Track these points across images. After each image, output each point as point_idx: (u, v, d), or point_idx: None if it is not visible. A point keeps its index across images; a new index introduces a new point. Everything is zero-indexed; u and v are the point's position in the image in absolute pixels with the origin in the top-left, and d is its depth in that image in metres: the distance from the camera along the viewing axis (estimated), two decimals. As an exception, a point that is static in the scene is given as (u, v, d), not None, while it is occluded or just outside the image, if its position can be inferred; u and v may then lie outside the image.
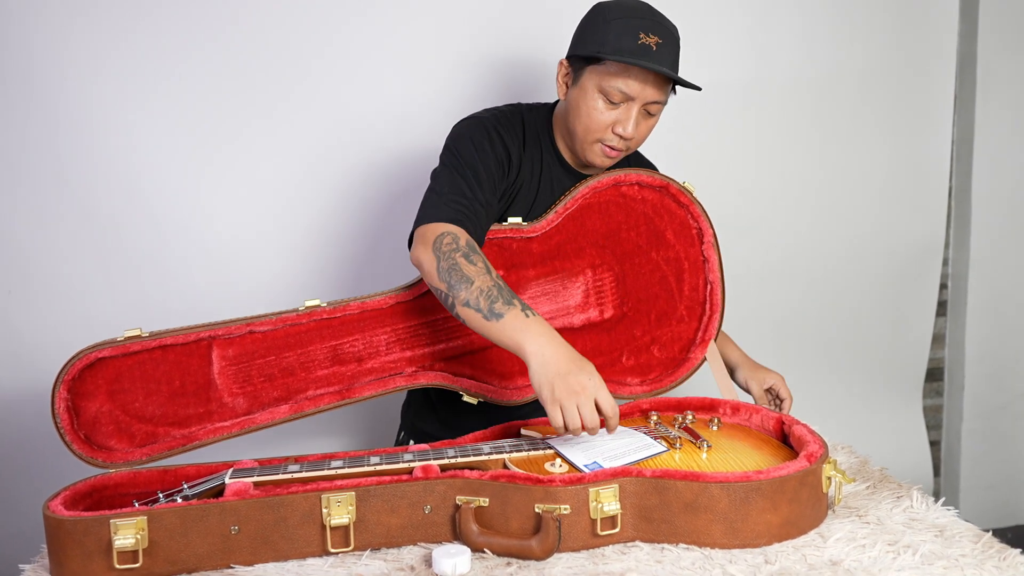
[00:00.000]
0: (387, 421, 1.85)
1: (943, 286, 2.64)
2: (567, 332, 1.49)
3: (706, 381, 1.54)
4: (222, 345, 1.33)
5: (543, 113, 1.50)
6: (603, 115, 1.37)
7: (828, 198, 2.41)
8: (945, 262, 2.63)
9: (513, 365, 1.46)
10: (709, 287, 1.53)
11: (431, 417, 1.59)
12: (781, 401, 1.55)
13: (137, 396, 1.30)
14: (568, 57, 1.42)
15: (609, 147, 1.40)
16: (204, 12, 1.92)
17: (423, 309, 1.41)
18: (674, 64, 1.37)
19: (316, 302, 1.36)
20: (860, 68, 2.37)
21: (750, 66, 2.29)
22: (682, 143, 2.25)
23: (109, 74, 1.89)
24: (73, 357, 1.25)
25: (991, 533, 1.12)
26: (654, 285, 1.52)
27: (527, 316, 1.21)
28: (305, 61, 1.98)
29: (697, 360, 1.53)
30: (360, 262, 2.02)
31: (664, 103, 1.39)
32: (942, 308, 2.68)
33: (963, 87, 2.57)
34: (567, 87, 1.42)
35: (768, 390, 1.55)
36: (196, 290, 1.98)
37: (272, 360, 1.35)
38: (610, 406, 1.18)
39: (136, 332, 1.28)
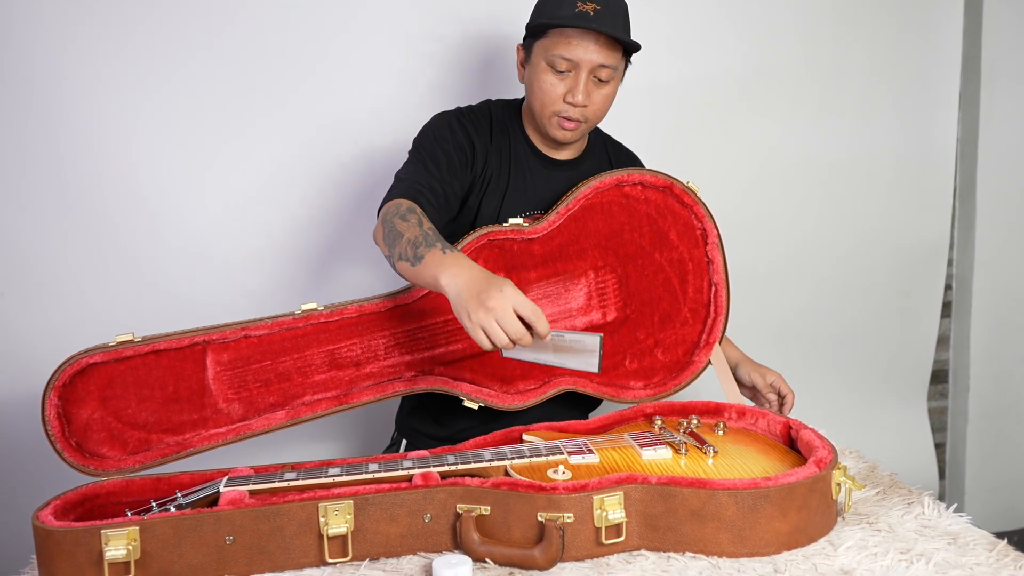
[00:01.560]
0: (382, 425, 1.81)
1: (948, 287, 2.61)
2: (569, 335, 1.46)
3: (711, 385, 1.51)
4: (217, 350, 1.30)
5: (513, 106, 1.54)
6: (554, 87, 1.39)
7: (832, 199, 2.39)
8: (950, 263, 2.60)
9: (514, 369, 1.44)
10: (713, 289, 1.51)
11: (424, 415, 1.57)
12: (783, 397, 1.52)
13: (130, 402, 1.27)
14: (523, 40, 1.47)
15: (565, 118, 1.41)
16: (201, 17, 1.90)
17: (422, 312, 1.38)
18: (615, 28, 1.37)
19: (313, 305, 1.33)
20: (863, 67, 2.35)
21: (752, 65, 2.26)
22: (685, 142, 2.23)
23: (106, 77, 1.86)
24: (64, 363, 1.23)
25: (1006, 541, 1.09)
26: (657, 287, 1.49)
27: (444, 253, 1.21)
28: (304, 65, 1.96)
29: (701, 363, 1.50)
30: (357, 265, 1.99)
31: (614, 68, 1.40)
32: (947, 309, 2.65)
33: (967, 86, 2.54)
34: (523, 69, 1.46)
35: (770, 385, 1.53)
36: (191, 293, 1.95)
37: (268, 365, 1.32)
38: (530, 311, 1.14)
39: (128, 337, 1.25)
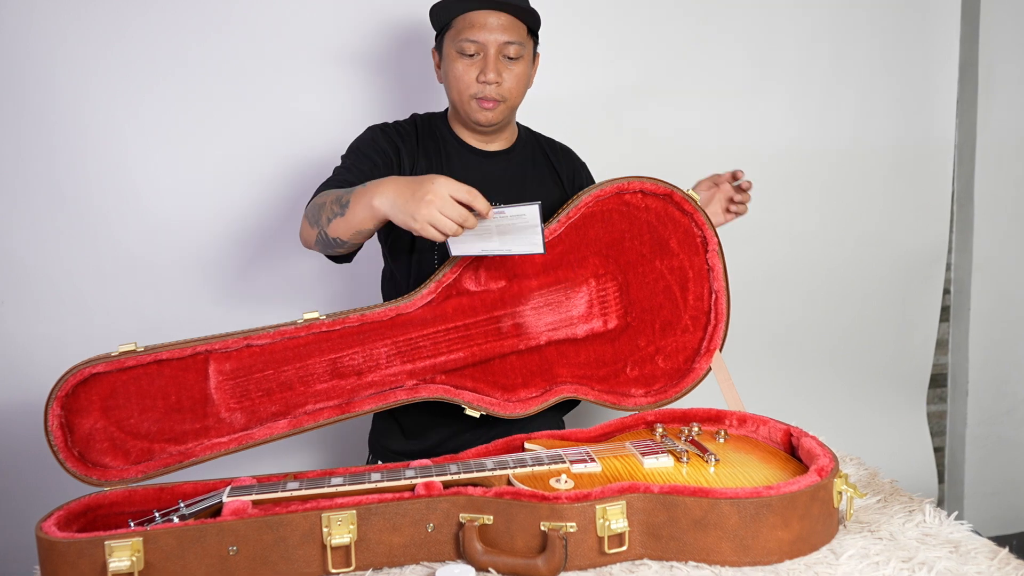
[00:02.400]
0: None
1: (946, 291, 2.62)
2: (570, 343, 1.46)
3: (711, 392, 1.52)
4: (219, 359, 1.30)
5: (439, 114, 1.60)
6: (467, 70, 1.45)
7: (830, 204, 2.40)
8: (948, 267, 2.61)
9: (516, 377, 1.44)
10: (714, 296, 1.51)
11: (395, 432, 1.58)
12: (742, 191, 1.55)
13: (132, 412, 1.27)
14: (434, 44, 1.54)
15: (482, 99, 1.46)
16: (198, 16, 1.90)
17: (424, 321, 1.39)
18: (512, 7, 1.43)
19: (315, 315, 1.33)
20: (861, 72, 2.36)
21: (750, 70, 2.27)
22: (683, 149, 2.24)
23: (105, 85, 1.87)
24: (66, 373, 1.22)
25: (1008, 549, 1.10)
26: (658, 295, 1.49)
27: (365, 185, 1.28)
28: (310, 68, 1.96)
29: (702, 370, 1.50)
30: (360, 274, 1.99)
31: (520, 44, 1.45)
32: (945, 313, 2.66)
33: (964, 91, 2.55)
34: (440, 70, 1.52)
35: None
36: (193, 302, 1.95)
37: (270, 374, 1.32)
38: (466, 192, 1.20)
39: (131, 347, 1.25)
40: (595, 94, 2.18)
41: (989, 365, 2.67)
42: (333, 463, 2.05)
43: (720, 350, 1.51)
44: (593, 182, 1.66)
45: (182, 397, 1.29)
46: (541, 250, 1.28)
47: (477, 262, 1.41)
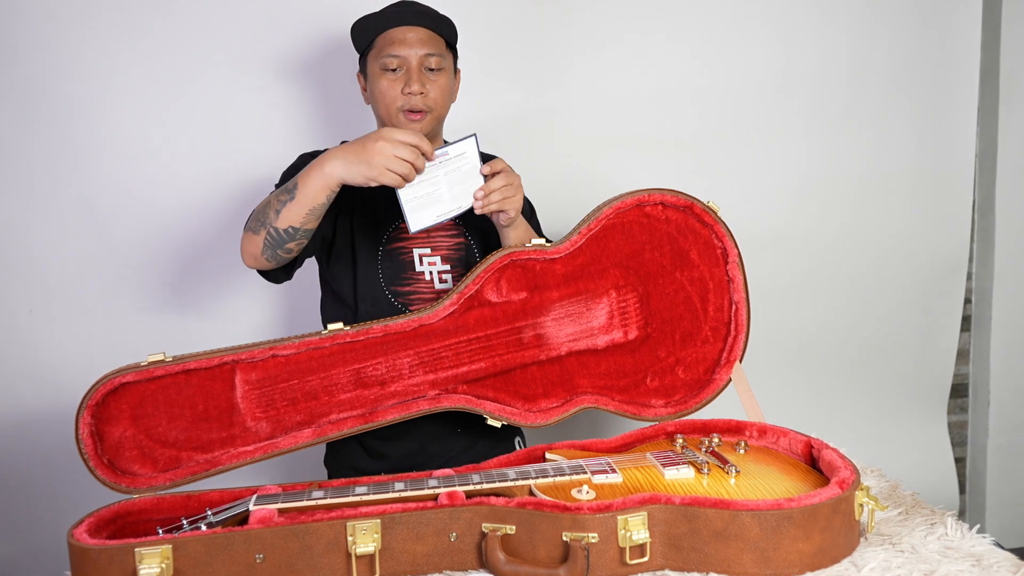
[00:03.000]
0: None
1: (967, 301, 2.61)
2: (590, 354, 1.47)
3: (732, 403, 1.52)
4: (245, 369, 1.32)
5: None
6: (392, 85, 1.49)
7: (850, 213, 2.39)
8: (969, 276, 2.60)
9: (537, 387, 1.45)
10: (734, 307, 1.51)
11: (356, 450, 1.59)
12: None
13: (160, 421, 1.29)
14: (359, 68, 1.58)
15: (408, 111, 1.49)
16: (223, 17, 1.92)
17: (446, 332, 1.40)
18: (429, 21, 1.50)
19: (339, 325, 1.35)
20: (881, 82, 2.35)
21: (770, 80, 2.27)
22: (703, 157, 2.24)
23: (127, 95, 1.90)
24: (97, 382, 1.25)
25: (1030, 563, 1.10)
26: (678, 306, 1.50)
27: (309, 164, 1.35)
28: (334, 66, 1.98)
29: (722, 381, 1.51)
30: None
31: (441, 56, 1.50)
32: (966, 323, 2.64)
33: (986, 99, 2.54)
34: (367, 92, 1.56)
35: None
36: (216, 310, 1.98)
37: (295, 384, 1.34)
38: (409, 135, 1.30)
39: (159, 356, 1.28)
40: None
41: (1011, 375, 2.66)
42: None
43: (740, 361, 1.52)
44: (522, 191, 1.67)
45: (209, 406, 1.31)
46: (468, 205, 1.38)
47: (499, 274, 1.42)
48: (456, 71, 1.60)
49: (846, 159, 2.36)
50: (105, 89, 1.88)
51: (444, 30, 1.52)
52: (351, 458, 1.59)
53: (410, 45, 1.48)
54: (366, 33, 1.51)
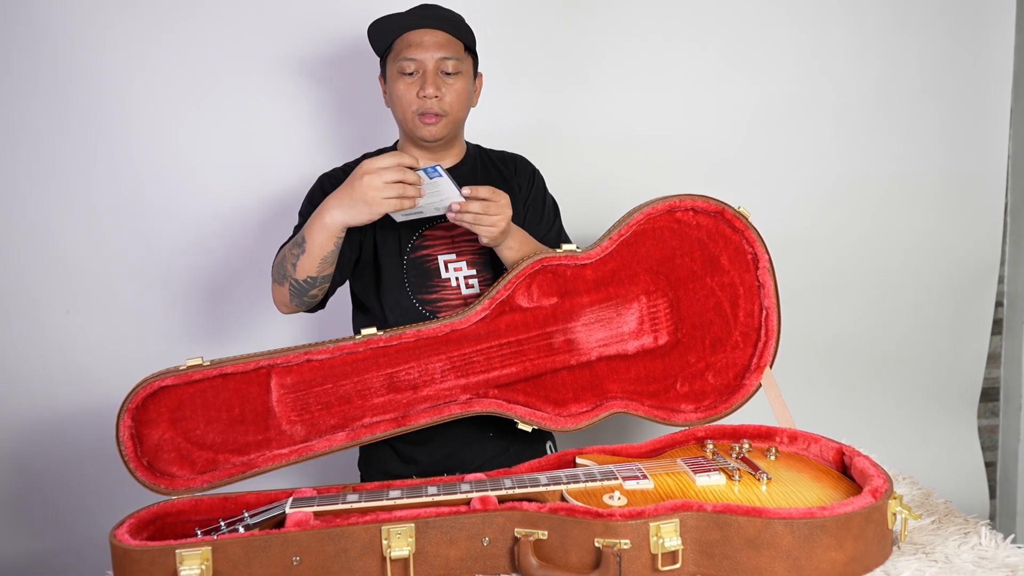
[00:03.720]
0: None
1: (999, 304, 2.58)
2: (620, 359, 1.48)
3: (762, 408, 1.52)
4: (281, 373, 1.34)
5: (391, 147, 1.65)
6: (408, 88, 1.49)
7: (880, 214, 2.37)
8: (1000, 279, 2.57)
9: (567, 392, 1.46)
10: (764, 313, 1.51)
11: (389, 454, 1.61)
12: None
13: (198, 423, 1.31)
14: (380, 72, 1.59)
15: (423, 115, 1.50)
16: (253, 22, 1.94)
17: (478, 336, 1.42)
18: (445, 24, 1.50)
19: (372, 330, 1.37)
20: (913, 82, 2.33)
21: (800, 81, 2.26)
22: (730, 158, 2.24)
23: (166, 98, 1.92)
24: (137, 386, 1.28)
25: (1066, 575, 1.09)
26: (708, 311, 1.50)
27: (309, 219, 1.39)
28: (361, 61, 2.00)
29: (752, 387, 1.51)
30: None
31: (458, 59, 1.50)
32: (997, 326, 2.62)
33: (1020, 100, 2.51)
34: (387, 95, 1.56)
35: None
36: (250, 312, 2.00)
37: (329, 388, 1.36)
38: (387, 159, 1.31)
39: (197, 361, 1.30)
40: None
41: (1043, 379, 2.63)
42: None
43: (771, 366, 1.52)
44: (546, 189, 1.69)
45: (245, 410, 1.33)
46: (460, 198, 1.37)
47: (530, 279, 1.43)
48: (477, 75, 1.60)
49: (876, 161, 2.34)
50: (139, 92, 1.91)
51: (462, 33, 1.52)
52: (384, 462, 1.60)
53: (426, 48, 1.48)
54: (383, 36, 1.52)
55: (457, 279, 1.56)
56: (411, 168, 1.33)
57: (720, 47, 2.20)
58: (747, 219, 1.48)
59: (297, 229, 1.53)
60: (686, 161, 2.22)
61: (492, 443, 1.59)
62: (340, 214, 1.35)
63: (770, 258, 1.50)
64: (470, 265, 1.57)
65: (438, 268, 1.55)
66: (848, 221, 2.35)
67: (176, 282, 1.98)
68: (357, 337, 1.36)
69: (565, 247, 1.45)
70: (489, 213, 1.39)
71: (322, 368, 1.36)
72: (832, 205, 2.32)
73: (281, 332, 2.01)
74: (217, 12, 1.92)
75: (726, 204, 1.48)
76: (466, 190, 1.38)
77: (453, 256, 1.56)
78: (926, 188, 2.40)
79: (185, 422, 1.31)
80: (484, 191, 1.39)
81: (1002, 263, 2.57)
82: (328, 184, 1.56)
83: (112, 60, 1.89)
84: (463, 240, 1.56)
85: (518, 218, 1.58)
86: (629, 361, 1.49)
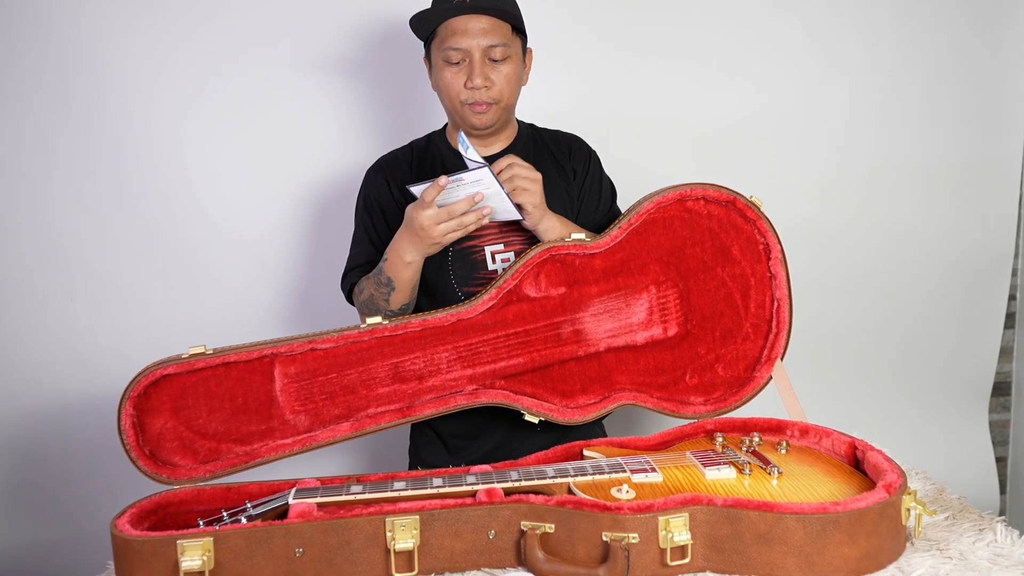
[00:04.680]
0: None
1: (1012, 297, 2.54)
2: (629, 350, 1.46)
3: (772, 401, 1.50)
4: (284, 362, 1.32)
5: (439, 130, 1.63)
6: (455, 78, 1.45)
7: (893, 205, 2.34)
8: (1014, 273, 2.53)
9: (575, 383, 1.44)
10: (776, 304, 1.49)
11: (437, 445, 1.60)
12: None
13: (201, 412, 1.30)
14: (424, 55, 1.55)
15: (473, 104, 1.46)
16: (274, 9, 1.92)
17: (484, 326, 1.39)
18: (490, 8, 1.42)
19: (378, 319, 1.35)
20: (927, 72, 2.30)
21: (813, 71, 2.23)
22: (742, 147, 2.21)
23: (172, 86, 1.91)
24: (139, 374, 1.26)
25: (1085, 573, 1.07)
26: (719, 302, 1.48)
27: (386, 258, 1.43)
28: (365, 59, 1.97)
29: (763, 379, 1.49)
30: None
31: (505, 45, 1.45)
32: (1010, 320, 2.58)
33: (1035, 91, 2.47)
34: (432, 79, 1.52)
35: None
36: (253, 301, 1.99)
37: (333, 377, 1.34)
38: (424, 197, 1.32)
39: (200, 349, 1.28)
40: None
41: (1055, 373, 2.60)
42: (372, 469, 2.07)
43: (782, 359, 1.49)
44: (602, 171, 1.64)
45: (248, 399, 1.32)
46: (518, 216, 1.39)
47: (538, 268, 1.41)
48: (526, 51, 1.54)
49: (889, 152, 2.31)
50: (142, 79, 1.89)
51: (508, 16, 1.44)
52: (433, 455, 1.59)
53: (472, 36, 1.42)
54: (426, 24, 1.46)
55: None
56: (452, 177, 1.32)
57: (733, 36, 2.17)
58: (759, 209, 1.46)
59: (358, 232, 1.57)
60: (698, 150, 2.19)
61: (539, 437, 1.53)
62: (416, 253, 1.39)
63: (782, 248, 1.47)
64: (518, 256, 1.51)
65: (484, 259, 1.51)
66: (861, 212, 2.32)
67: (180, 270, 1.96)
68: (362, 326, 1.34)
69: (574, 236, 1.42)
70: (520, 175, 1.39)
71: (326, 357, 1.34)
72: (845, 195, 2.30)
73: (285, 321, 1.99)
74: (222, 1, 1.90)
75: (738, 193, 1.46)
76: (496, 165, 1.38)
77: (501, 247, 1.51)
78: (940, 179, 2.37)
79: (188, 411, 1.29)
80: (502, 162, 1.39)
81: (1016, 256, 2.54)
82: (371, 184, 1.57)
83: (117, 50, 1.87)
84: (511, 230, 1.52)
85: (572, 204, 1.55)
86: (638, 352, 1.46)
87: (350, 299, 1.55)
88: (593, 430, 1.59)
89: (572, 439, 1.50)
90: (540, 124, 1.65)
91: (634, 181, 1.70)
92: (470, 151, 1.35)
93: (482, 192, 1.34)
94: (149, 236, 1.94)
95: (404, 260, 1.39)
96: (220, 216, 1.96)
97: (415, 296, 1.48)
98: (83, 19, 1.85)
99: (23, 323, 1.92)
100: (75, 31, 1.85)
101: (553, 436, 1.53)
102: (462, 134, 1.36)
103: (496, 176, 1.32)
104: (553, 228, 1.45)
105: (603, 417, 1.47)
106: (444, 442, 1.59)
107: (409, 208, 1.36)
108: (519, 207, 1.40)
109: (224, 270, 1.98)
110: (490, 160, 1.51)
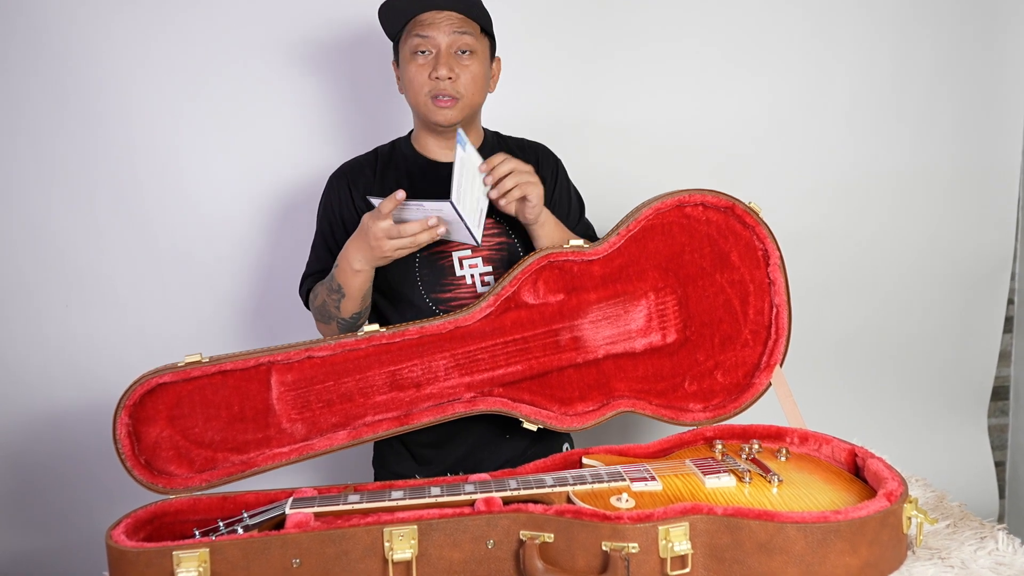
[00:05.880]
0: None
1: (1010, 302, 2.54)
2: (628, 357, 1.45)
3: (771, 408, 1.49)
4: (281, 370, 1.31)
5: (404, 136, 1.61)
6: (420, 70, 1.45)
7: (892, 210, 2.34)
8: (1013, 277, 2.53)
9: (573, 391, 1.43)
10: (775, 310, 1.48)
11: (403, 455, 1.59)
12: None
13: (196, 421, 1.29)
14: (393, 58, 1.55)
15: (437, 97, 1.45)
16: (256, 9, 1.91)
17: (482, 334, 1.39)
18: (459, 4, 1.44)
19: (375, 327, 1.34)
20: (926, 77, 2.30)
21: (812, 75, 2.23)
22: (741, 153, 2.21)
23: (165, 89, 1.90)
24: (134, 382, 1.25)
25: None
26: (718, 308, 1.47)
27: (337, 264, 1.42)
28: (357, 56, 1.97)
29: (762, 386, 1.48)
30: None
31: (474, 38, 1.46)
32: (1008, 324, 2.58)
33: (1033, 94, 2.47)
34: (400, 81, 1.53)
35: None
36: (249, 308, 1.98)
37: (330, 385, 1.33)
38: (380, 207, 1.30)
39: (196, 357, 1.27)
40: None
41: (1054, 378, 2.59)
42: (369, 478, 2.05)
43: (781, 365, 1.49)
44: (569, 180, 1.65)
45: (245, 407, 1.31)
46: (476, 242, 1.36)
47: (536, 275, 1.40)
48: (494, 59, 1.55)
49: (888, 157, 2.31)
50: (137, 83, 1.88)
51: (477, 14, 1.47)
52: (399, 463, 1.58)
53: (439, 28, 1.43)
54: (396, 17, 1.47)
55: (472, 276, 1.51)
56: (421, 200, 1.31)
57: (731, 41, 2.16)
58: (758, 215, 1.45)
59: (317, 239, 1.56)
60: (696, 155, 2.19)
61: (509, 445, 1.55)
62: (363, 262, 1.37)
63: (781, 255, 1.47)
64: (486, 262, 1.52)
65: (452, 266, 1.51)
66: (859, 217, 2.31)
67: (176, 277, 1.95)
68: (359, 334, 1.34)
69: (572, 242, 1.42)
70: (519, 169, 1.38)
71: (323, 365, 1.33)
72: (843, 201, 2.29)
73: (282, 329, 1.98)
74: (217, 3, 1.89)
75: (736, 199, 1.45)
76: (482, 164, 1.38)
77: (468, 252, 1.51)
78: (938, 184, 2.36)
79: (183, 420, 1.28)
80: (500, 155, 1.38)
81: (1015, 260, 2.54)
82: (332, 191, 1.55)
83: (112, 53, 1.86)
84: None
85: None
86: (637, 359, 1.46)
87: (307, 304, 1.55)
88: (562, 440, 1.63)
89: (544, 446, 1.51)
90: (505, 132, 1.66)
91: (629, 190, 1.69)
92: (468, 146, 1.34)
93: (440, 219, 1.32)
94: (146, 243, 1.93)
95: (353, 268, 1.38)
96: (217, 223, 1.95)
97: (367, 306, 1.47)
98: (77, 24, 1.83)
99: (18, 330, 1.91)
100: (69, 35, 1.83)
101: (521, 445, 1.55)
102: (460, 131, 1.35)
103: (458, 209, 1.29)
104: (548, 224, 1.46)
105: (601, 424, 1.46)
106: (411, 452, 1.58)
107: (365, 216, 1.35)
108: (522, 202, 1.40)
109: (221, 278, 1.97)
110: (482, 153, 1.51)
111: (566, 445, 1.65)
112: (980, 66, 2.33)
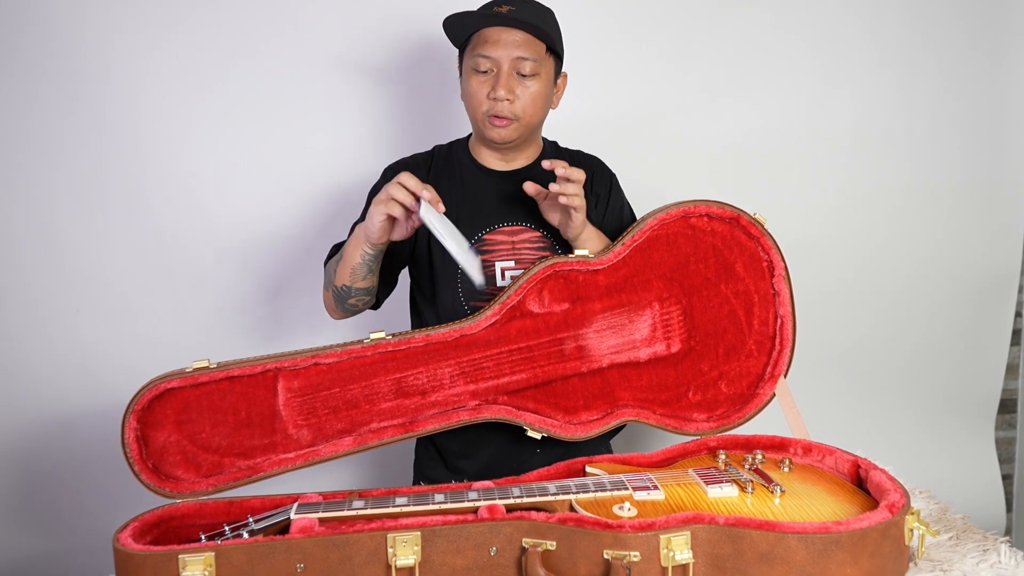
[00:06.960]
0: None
1: (1018, 314, 2.54)
2: (632, 366, 1.46)
3: (775, 418, 1.49)
4: (288, 377, 1.33)
5: (463, 139, 1.61)
6: (480, 87, 1.45)
7: (897, 222, 2.34)
8: (1020, 289, 2.53)
9: (578, 399, 1.44)
10: (779, 321, 1.49)
11: (437, 462, 1.60)
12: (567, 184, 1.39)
13: (204, 426, 1.30)
14: (457, 63, 1.55)
15: (493, 116, 1.45)
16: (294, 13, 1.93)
17: (488, 342, 1.40)
18: (527, 24, 1.41)
19: (381, 334, 1.36)
20: (932, 89, 2.30)
21: (818, 87, 2.24)
22: (746, 164, 2.21)
23: (177, 95, 1.92)
24: (143, 387, 1.26)
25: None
26: (723, 319, 1.48)
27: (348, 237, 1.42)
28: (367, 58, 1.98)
29: (766, 396, 1.48)
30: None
31: (535, 61, 1.43)
32: (1016, 337, 2.57)
33: (1041, 106, 2.47)
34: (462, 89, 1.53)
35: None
36: (258, 315, 1.99)
37: (337, 392, 1.34)
38: (410, 181, 1.30)
39: (204, 363, 1.29)
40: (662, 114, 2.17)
41: (1062, 391, 2.59)
42: (374, 484, 2.07)
43: (785, 376, 1.49)
44: (623, 194, 1.64)
45: (252, 413, 1.32)
46: (480, 281, 1.38)
47: (541, 284, 1.41)
48: (560, 75, 1.53)
49: (894, 169, 2.31)
50: (146, 89, 1.90)
51: (544, 34, 1.43)
52: (433, 470, 1.60)
53: (503, 47, 1.42)
54: (461, 30, 1.46)
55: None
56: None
57: (740, 53, 2.17)
58: (763, 226, 1.46)
59: (358, 219, 1.52)
60: (701, 166, 2.20)
61: (540, 456, 1.53)
62: (362, 227, 1.37)
63: (786, 266, 1.47)
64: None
65: (495, 275, 1.51)
66: (865, 229, 2.32)
67: (185, 284, 1.97)
68: (365, 341, 1.35)
69: (578, 252, 1.43)
70: (574, 180, 1.38)
71: (330, 372, 1.34)
72: (849, 212, 2.30)
73: (289, 336, 2.00)
74: (227, 6, 1.90)
75: (742, 210, 1.46)
76: (546, 163, 1.38)
77: (512, 264, 1.51)
78: (944, 196, 2.36)
79: (191, 425, 1.29)
80: (557, 164, 1.38)
81: (1022, 272, 2.53)
82: (389, 176, 1.53)
83: (122, 56, 1.88)
84: (525, 247, 1.52)
85: (598, 227, 1.54)
86: (641, 369, 1.46)
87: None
88: (597, 448, 1.59)
89: (573, 457, 1.50)
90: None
91: (635, 200, 1.70)
92: (423, 206, 1.33)
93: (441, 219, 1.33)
94: (156, 248, 1.95)
95: (356, 232, 1.41)
96: (226, 229, 1.97)
97: (361, 289, 1.45)
98: (87, 26, 1.85)
99: (28, 335, 1.93)
100: (79, 38, 1.85)
101: (554, 454, 1.51)
102: (423, 202, 1.33)
103: (462, 260, 1.33)
104: (591, 241, 1.46)
105: (606, 433, 1.47)
106: (444, 458, 1.59)
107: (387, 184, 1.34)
108: (565, 211, 1.41)
109: (230, 284, 1.99)
110: (511, 174, 1.53)
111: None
112: (987, 80, 2.33)
